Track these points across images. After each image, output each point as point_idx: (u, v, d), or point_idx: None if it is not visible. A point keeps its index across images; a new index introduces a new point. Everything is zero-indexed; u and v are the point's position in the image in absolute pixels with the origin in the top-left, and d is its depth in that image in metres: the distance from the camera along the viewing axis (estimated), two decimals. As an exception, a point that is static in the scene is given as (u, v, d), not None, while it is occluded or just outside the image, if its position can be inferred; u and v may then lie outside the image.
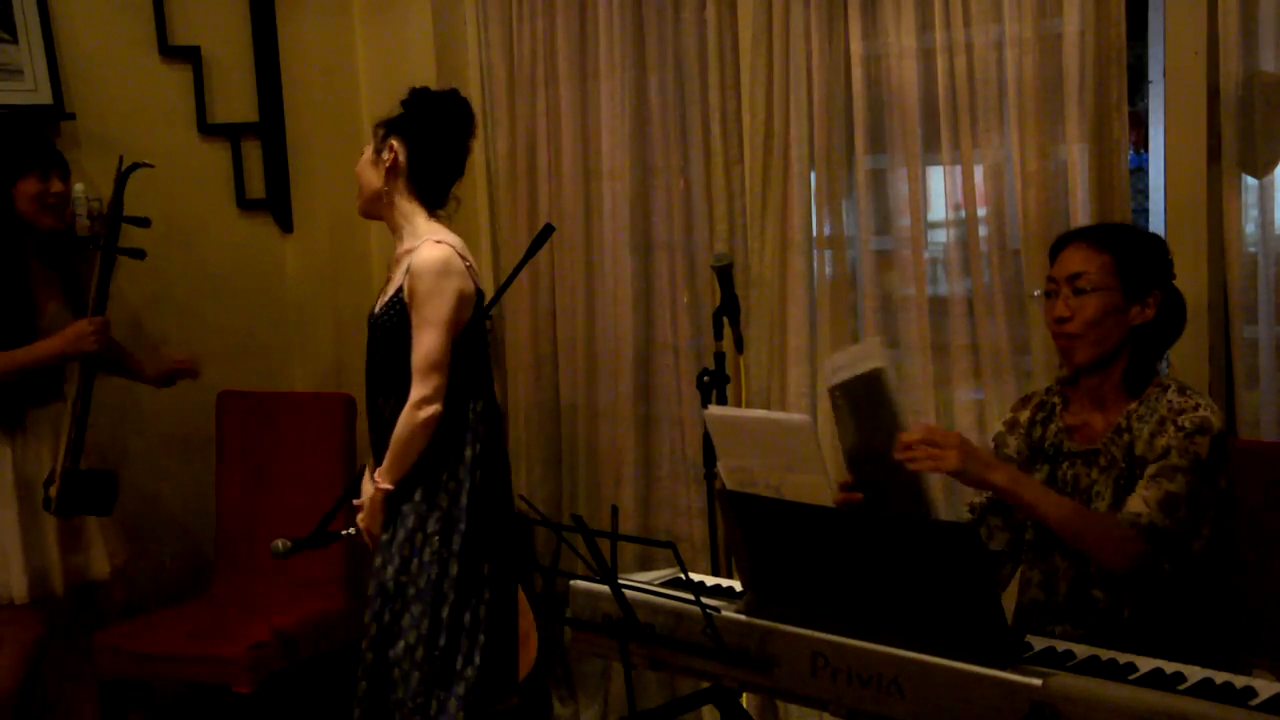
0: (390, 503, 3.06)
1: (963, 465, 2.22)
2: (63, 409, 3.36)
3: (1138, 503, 2.28)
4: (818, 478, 2.19)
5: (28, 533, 3.29)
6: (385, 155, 3.08)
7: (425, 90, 3.18)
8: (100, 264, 3.37)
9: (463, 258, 3.06)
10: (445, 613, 3.02)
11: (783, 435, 2.23)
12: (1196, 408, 2.33)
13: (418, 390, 2.98)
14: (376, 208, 3.15)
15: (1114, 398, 2.44)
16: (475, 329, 3.11)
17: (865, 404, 2.34)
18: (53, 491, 3.28)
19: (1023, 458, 2.54)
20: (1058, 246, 2.51)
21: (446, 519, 3.04)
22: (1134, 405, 2.40)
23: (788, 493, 2.21)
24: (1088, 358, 2.43)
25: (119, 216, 3.41)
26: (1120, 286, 2.40)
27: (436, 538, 3.03)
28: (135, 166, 3.44)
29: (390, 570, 3.04)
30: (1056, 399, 2.54)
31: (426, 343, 2.99)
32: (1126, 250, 2.42)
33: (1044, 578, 2.47)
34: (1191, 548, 2.29)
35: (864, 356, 2.35)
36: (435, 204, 3.15)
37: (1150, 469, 2.31)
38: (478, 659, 3.05)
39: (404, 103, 3.16)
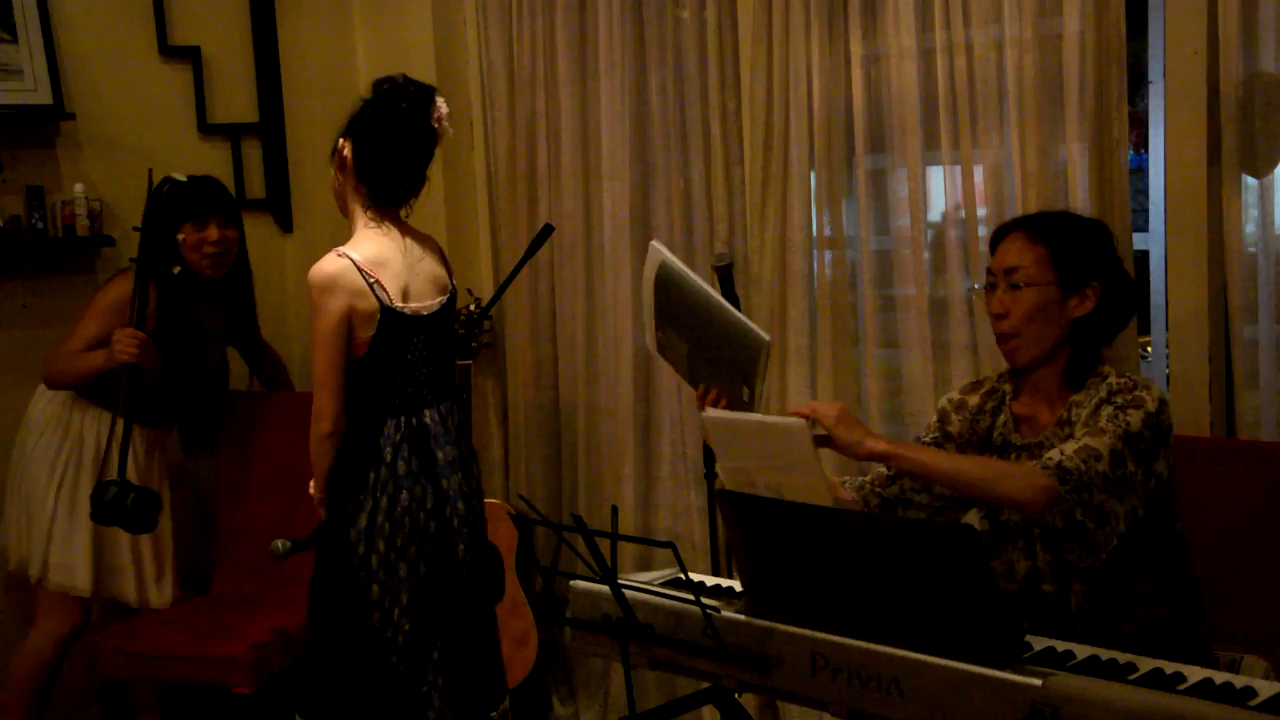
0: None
1: (839, 429, 2.23)
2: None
3: (1053, 452, 2.25)
4: (815, 480, 2.19)
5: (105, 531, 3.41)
6: (336, 161, 2.98)
7: (381, 82, 3.00)
8: (136, 278, 3.34)
9: (365, 272, 2.87)
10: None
11: (778, 438, 2.23)
12: (1134, 387, 2.30)
13: (313, 406, 2.92)
14: (341, 207, 3.05)
15: (1059, 390, 2.41)
16: (388, 347, 2.93)
17: (673, 309, 2.38)
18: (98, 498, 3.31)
19: (963, 440, 2.51)
20: (997, 237, 2.47)
21: (344, 541, 2.95)
22: (1078, 396, 2.37)
23: (787, 493, 2.21)
24: (1029, 357, 2.41)
25: (153, 233, 3.36)
26: (1056, 279, 2.36)
27: (342, 557, 2.96)
28: (167, 182, 3.37)
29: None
30: (1007, 386, 2.50)
31: (314, 358, 2.91)
32: (1062, 241, 2.38)
33: (1003, 569, 2.45)
34: (1109, 512, 2.22)
35: (650, 270, 2.39)
36: (384, 198, 2.98)
37: (1076, 430, 2.29)
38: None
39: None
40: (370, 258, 2.91)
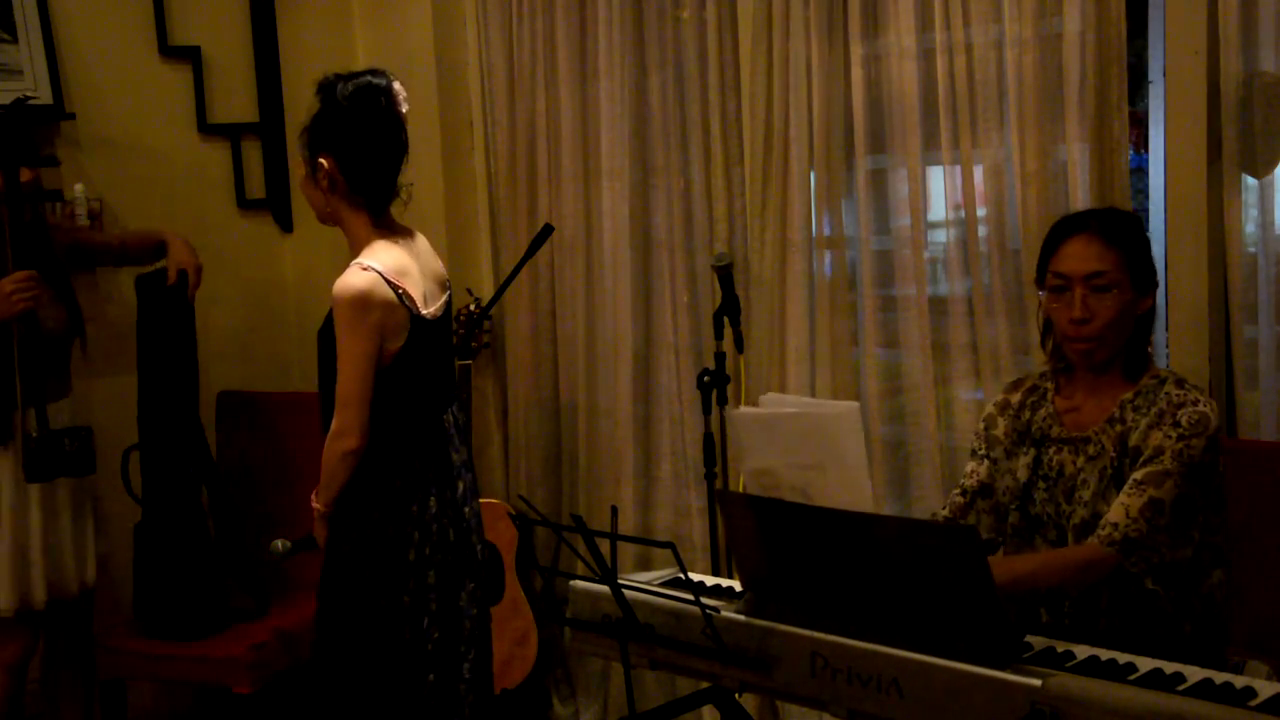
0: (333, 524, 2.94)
1: None
2: (64, 406, 3.32)
3: (1117, 512, 2.27)
4: (858, 472, 2.19)
5: (15, 544, 3.24)
6: (320, 177, 2.86)
7: (332, 83, 2.87)
8: (9, 216, 3.18)
9: (392, 283, 2.80)
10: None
11: (824, 425, 2.23)
12: (1196, 403, 2.32)
13: (335, 421, 2.82)
14: (330, 220, 2.96)
15: (1111, 386, 2.43)
16: (415, 356, 2.88)
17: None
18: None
19: (1009, 440, 2.53)
20: (1060, 237, 2.44)
21: (368, 552, 2.89)
22: (1129, 395, 2.39)
23: (816, 492, 2.22)
24: (1104, 358, 2.42)
25: (13, 160, 3.19)
26: (1130, 281, 2.39)
27: (367, 569, 2.90)
28: (20, 102, 3.25)
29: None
30: (1049, 384, 2.53)
31: (342, 375, 2.80)
32: (1132, 243, 2.41)
33: (1056, 512, 2.46)
34: (1164, 555, 2.30)
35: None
36: (382, 204, 2.93)
37: (1138, 473, 2.30)
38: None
39: (317, 108, 2.90)
40: (393, 268, 2.83)
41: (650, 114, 3.76)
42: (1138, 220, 2.55)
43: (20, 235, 3.22)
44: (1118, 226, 2.43)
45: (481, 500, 3.87)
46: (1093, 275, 2.37)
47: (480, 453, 4.15)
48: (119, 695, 3.60)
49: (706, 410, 3.24)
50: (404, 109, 2.89)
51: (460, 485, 2.99)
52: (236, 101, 4.16)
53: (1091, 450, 2.40)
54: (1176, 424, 2.30)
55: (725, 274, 3.23)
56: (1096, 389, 2.45)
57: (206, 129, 4.10)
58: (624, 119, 3.77)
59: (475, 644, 2.98)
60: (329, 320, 2.86)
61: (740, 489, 2.93)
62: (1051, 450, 2.46)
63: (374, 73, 2.89)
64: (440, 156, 4.13)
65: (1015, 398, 2.57)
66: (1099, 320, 2.37)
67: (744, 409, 2.39)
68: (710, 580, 2.52)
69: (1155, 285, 2.44)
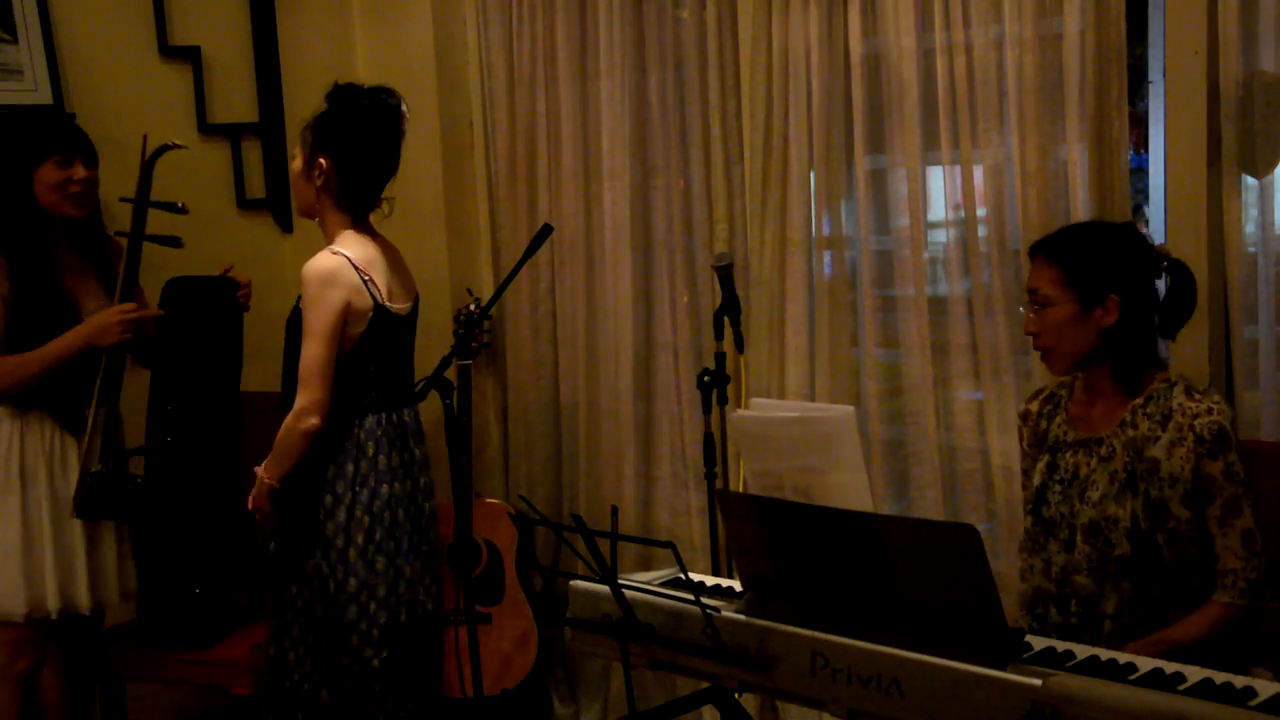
0: (278, 501, 3.04)
1: None
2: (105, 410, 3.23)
3: (1227, 559, 2.33)
4: (856, 475, 2.20)
5: (61, 541, 3.19)
6: (315, 174, 3.05)
7: (349, 92, 3.08)
8: (127, 252, 3.25)
9: (361, 272, 3.00)
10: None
11: (822, 430, 2.24)
12: (1210, 411, 2.36)
13: (298, 399, 2.96)
14: (312, 214, 3.14)
15: (1114, 393, 2.48)
16: (374, 344, 3.04)
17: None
18: (74, 494, 3.19)
19: (1031, 448, 2.60)
20: (1030, 256, 2.56)
21: (320, 534, 3.01)
22: (1139, 400, 2.43)
23: (817, 494, 2.22)
24: (1064, 367, 2.51)
25: (146, 201, 3.28)
26: (1076, 296, 2.43)
27: (317, 550, 3.02)
28: (164, 149, 3.30)
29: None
30: (1064, 390, 2.59)
31: (306, 352, 2.95)
32: (1074, 259, 2.45)
33: (1044, 565, 2.50)
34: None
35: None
36: (365, 210, 3.11)
37: (1213, 509, 2.34)
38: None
39: (326, 109, 3.08)
40: (361, 257, 3.01)
41: (650, 114, 3.76)
42: (1095, 234, 2.56)
43: (135, 269, 3.24)
44: (1065, 243, 2.49)
45: (481, 500, 3.90)
46: (1032, 291, 2.48)
47: (480, 453, 4.15)
48: (119, 695, 3.60)
49: (706, 410, 3.24)
50: (404, 129, 3.10)
51: (422, 480, 3.12)
52: (236, 101, 4.16)
53: (1104, 451, 2.43)
54: (1200, 439, 2.34)
55: (725, 274, 3.23)
56: (1104, 394, 2.49)
57: (206, 129, 4.10)
58: (624, 119, 3.77)
59: (432, 633, 3.13)
60: (297, 308, 3.02)
61: (741, 488, 2.93)
62: (1067, 454, 2.50)
63: (388, 92, 3.10)
64: (440, 156, 4.13)
65: (1034, 406, 2.64)
66: (1043, 335, 2.48)
67: (743, 412, 2.39)
68: (710, 580, 2.52)
69: (1110, 299, 2.43)
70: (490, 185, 4.14)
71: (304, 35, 4.24)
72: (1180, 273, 2.51)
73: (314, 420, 2.94)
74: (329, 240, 3.09)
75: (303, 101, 4.23)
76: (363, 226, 3.11)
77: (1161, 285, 2.53)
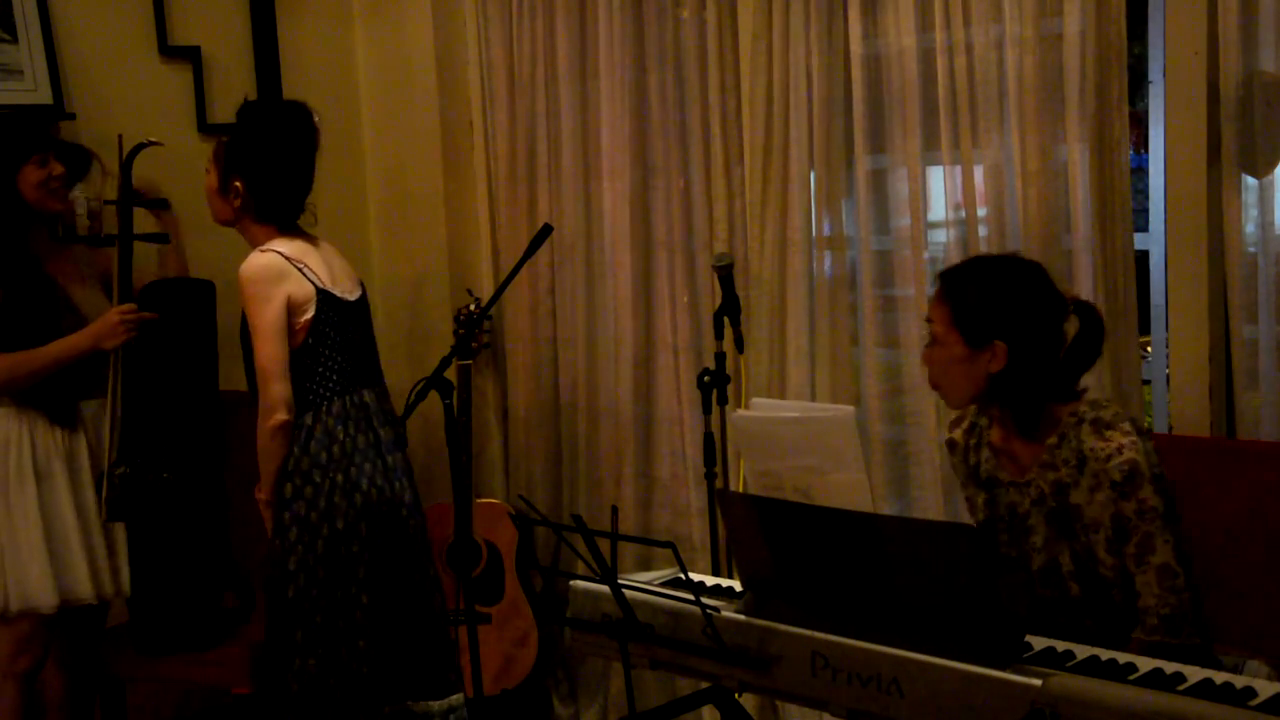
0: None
1: None
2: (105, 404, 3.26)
3: (1145, 598, 2.24)
4: (856, 475, 2.19)
5: (87, 536, 3.22)
6: (232, 196, 3.09)
7: (258, 111, 3.16)
8: (119, 252, 3.30)
9: (295, 261, 3.03)
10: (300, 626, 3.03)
11: (821, 430, 2.23)
12: (1120, 450, 2.23)
13: (260, 400, 2.99)
14: (231, 226, 3.18)
15: (1019, 431, 2.38)
16: (327, 327, 3.06)
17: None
18: (103, 495, 3.22)
19: (966, 479, 2.52)
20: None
21: (305, 525, 3.03)
22: (1053, 439, 2.33)
23: (817, 494, 2.21)
24: (958, 403, 2.42)
25: (130, 200, 3.33)
26: (963, 339, 2.32)
27: (300, 546, 3.03)
28: (141, 147, 3.35)
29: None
30: (984, 420, 2.49)
31: (259, 352, 2.99)
32: (963, 300, 2.33)
33: (1019, 555, 2.44)
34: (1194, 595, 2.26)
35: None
36: (289, 219, 3.14)
37: (1129, 547, 2.24)
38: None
39: (236, 129, 3.15)
40: (292, 251, 3.06)
41: (650, 114, 3.76)
42: (993, 273, 2.40)
43: (128, 269, 3.30)
44: (959, 281, 2.37)
45: (481, 500, 3.91)
46: (929, 322, 2.39)
47: (480, 453, 4.15)
48: (119, 695, 3.60)
49: (706, 410, 3.24)
50: (318, 139, 3.15)
51: (390, 459, 3.13)
52: (236, 101, 4.11)
53: (1033, 493, 2.36)
54: (1114, 484, 2.23)
55: (725, 274, 3.23)
56: (1017, 432, 2.39)
57: (206, 129, 4.09)
58: (624, 118, 3.77)
59: (411, 617, 3.12)
60: (244, 314, 3.04)
61: (741, 488, 2.93)
62: (1001, 492, 2.43)
63: (297, 106, 3.16)
64: (440, 156, 4.13)
65: (959, 436, 2.54)
66: (933, 371, 2.40)
67: (742, 413, 2.39)
68: (710, 580, 2.52)
69: (995, 345, 2.30)
70: (490, 185, 4.14)
71: (304, 35, 4.24)
72: (1088, 315, 2.39)
73: (281, 415, 2.98)
74: (253, 245, 3.12)
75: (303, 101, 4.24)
76: (290, 231, 3.14)
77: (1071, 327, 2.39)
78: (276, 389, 2.97)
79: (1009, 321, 2.31)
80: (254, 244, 3.12)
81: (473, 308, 3.82)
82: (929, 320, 2.39)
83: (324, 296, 3.06)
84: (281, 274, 3.01)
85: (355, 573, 3.04)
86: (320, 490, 3.02)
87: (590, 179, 3.90)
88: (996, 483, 2.44)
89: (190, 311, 3.49)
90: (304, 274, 3.04)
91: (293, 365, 3.01)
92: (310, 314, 3.03)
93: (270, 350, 2.98)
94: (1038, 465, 2.35)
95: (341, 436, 3.05)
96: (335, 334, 3.08)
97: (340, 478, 3.03)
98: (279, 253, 3.03)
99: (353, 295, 3.18)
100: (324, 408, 3.05)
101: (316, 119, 3.17)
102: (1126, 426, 2.27)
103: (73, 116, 3.77)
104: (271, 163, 3.09)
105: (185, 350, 3.47)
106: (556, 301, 4.03)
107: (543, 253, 3.71)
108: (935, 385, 2.42)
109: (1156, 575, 2.23)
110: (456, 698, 3.21)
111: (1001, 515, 2.43)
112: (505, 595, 3.78)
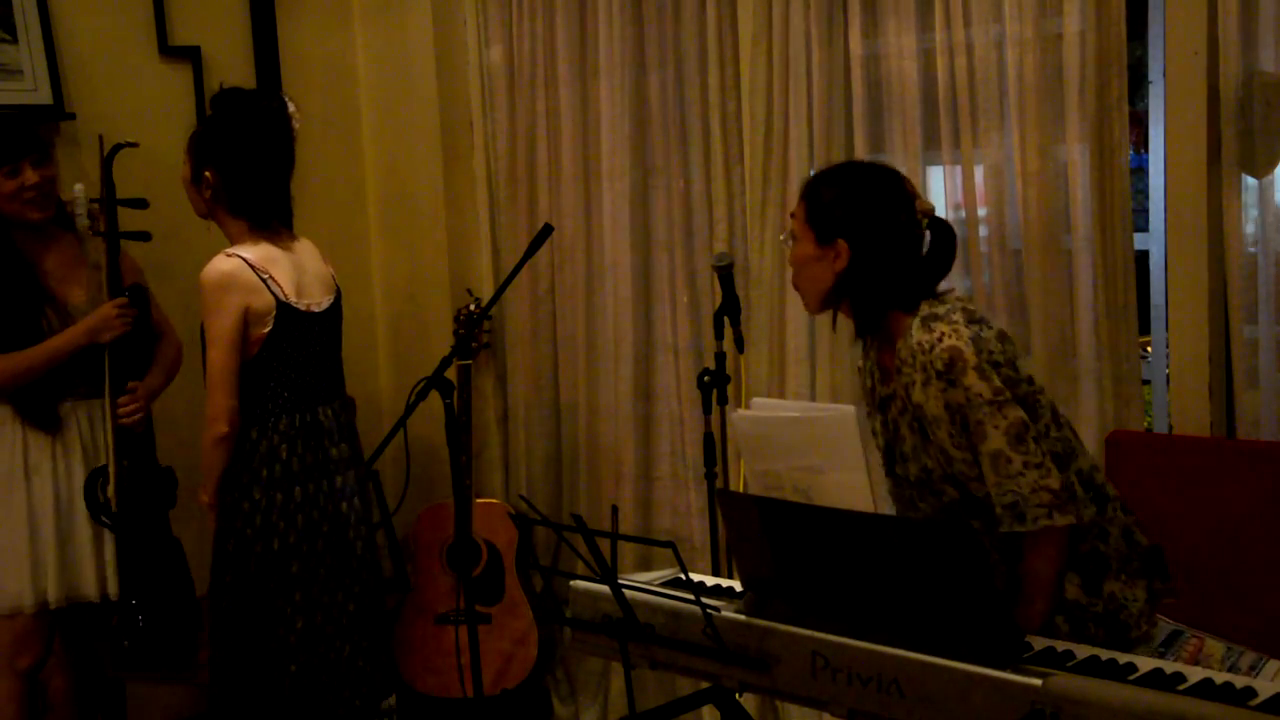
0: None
1: None
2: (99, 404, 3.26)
3: (989, 486, 2.20)
4: (857, 475, 2.18)
5: (77, 535, 3.21)
6: (204, 188, 3.03)
7: (230, 101, 3.07)
8: (107, 250, 3.29)
9: (259, 270, 2.95)
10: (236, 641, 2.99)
11: (822, 429, 2.22)
12: (941, 339, 2.21)
13: (207, 409, 2.94)
14: (208, 218, 3.12)
15: (861, 334, 2.38)
16: (283, 343, 3.00)
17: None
18: (110, 491, 3.20)
19: (868, 406, 2.46)
20: None
21: (240, 540, 2.99)
22: (900, 344, 2.30)
23: (817, 494, 2.21)
24: (811, 306, 2.40)
25: (113, 200, 3.32)
26: (814, 236, 2.34)
27: (235, 561, 3.00)
28: (119, 147, 3.34)
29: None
30: (870, 340, 2.45)
31: (209, 360, 2.94)
32: (815, 198, 2.35)
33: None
34: (1050, 487, 2.17)
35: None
36: (265, 213, 3.06)
37: (970, 439, 2.21)
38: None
39: (208, 119, 3.09)
40: (259, 256, 2.98)
41: (650, 114, 3.76)
42: (845, 177, 2.39)
43: (116, 265, 3.29)
44: (820, 179, 2.38)
45: (481, 500, 3.91)
46: (791, 218, 2.39)
47: (480, 453, 4.15)
48: (119, 695, 3.60)
49: (706, 410, 3.24)
50: (295, 127, 3.07)
51: (339, 480, 3.08)
52: (236, 101, 4.15)
53: (899, 404, 2.33)
54: (939, 374, 2.20)
55: (725, 274, 3.23)
56: (881, 341, 2.38)
57: (206, 129, 4.09)
58: (624, 119, 3.77)
59: (352, 639, 3.07)
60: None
61: (741, 488, 2.93)
62: (890, 410, 2.37)
63: (271, 96, 3.09)
64: (440, 156, 4.13)
65: (860, 360, 2.49)
66: (794, 274, 2.39)
67: (743, 412, 2.38)
68: (710, 580, 2.52)
69: (838, 244, 2.30)
70: (490, 185, 4.14)
71: (304, 35, 4.24)
72: (941, 229, 2.37)
73: (221, 428, 2.93)
74: (231, 243, 3.05)
75: (303, 101, 4.23)
76: (264, 228, 3.06)
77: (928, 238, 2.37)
78: (220, 400, 2.92)
79: (852, 221, 2.32)
80: (229, 238, 3.05)
81: (473, 308, 3.82)
82: (792, 216, 2.39)
83: (284, 310, 2.98)
84: (241, 284, 2.92)
85: (291, 595, 2.99)
86: (257, 507, 2.97)
87: (590, 179, 3.90)
88: (884, 401, 2.39)
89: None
90: (267, 285, 2.96)
91: (244, 377, 2.95)
92: (268, 328, 2.96)
93: (221, 359, 2.91)
94: (895, 374, 2.32)
95: (285, 455, 2.99)
96: (292, 349, 3.01)
97: (280, 497, 2.98)
98: (244, 259, 2.95)
99: (321, 305, 3.10)
100: (271, 423, 2.99)
101: (293, 109, 3.09)
102: (955, 317, 2.24)
103: (73, 116, 3.77)
104: (242, 154, 3.01)
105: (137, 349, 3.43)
106: (556, 301, 4.03)
107: (543, 253, 3.71)
108: (796, 287, 2.41)
109: (990, 463, 2.19)
110: (388, 703, 3.20)
111: (890, 435, 2.38)
112: (505, 595, 3.79)
